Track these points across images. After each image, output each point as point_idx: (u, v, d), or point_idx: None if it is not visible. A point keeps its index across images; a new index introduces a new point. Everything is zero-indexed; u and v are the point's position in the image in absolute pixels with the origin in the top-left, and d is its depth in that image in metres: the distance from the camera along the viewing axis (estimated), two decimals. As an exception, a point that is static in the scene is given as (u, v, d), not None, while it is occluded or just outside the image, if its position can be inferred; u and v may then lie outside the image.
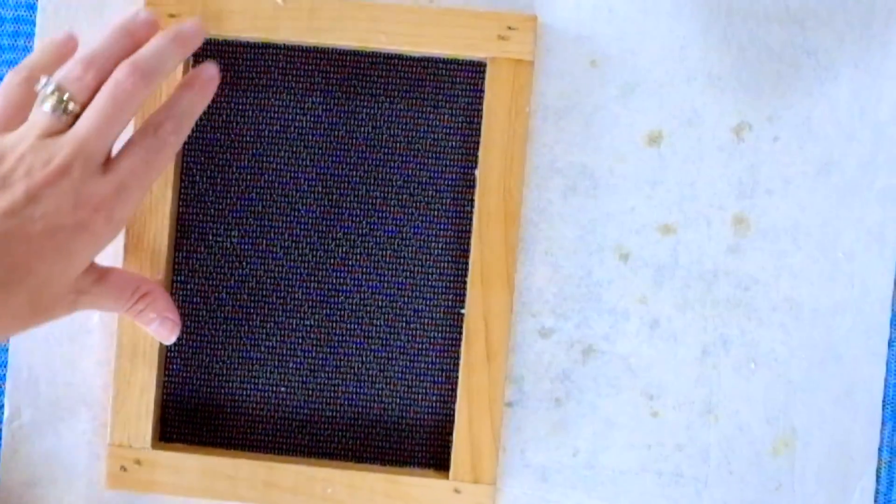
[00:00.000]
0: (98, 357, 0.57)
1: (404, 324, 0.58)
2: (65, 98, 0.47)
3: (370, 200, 0.58)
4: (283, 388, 0.58)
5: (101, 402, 0.57)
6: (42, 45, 0.51)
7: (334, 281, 0.58)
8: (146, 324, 0.54)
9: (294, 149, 0.58)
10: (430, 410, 0.59)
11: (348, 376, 0.59)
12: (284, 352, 0.58)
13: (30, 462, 0.57)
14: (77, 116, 0.48)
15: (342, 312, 0.58)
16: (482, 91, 0.57)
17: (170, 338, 0.55)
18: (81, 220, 0.47)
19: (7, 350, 0.57)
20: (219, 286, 0.58)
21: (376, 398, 0.59)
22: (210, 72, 0.52)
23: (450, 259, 0.58)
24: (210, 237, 0.58)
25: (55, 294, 0.48)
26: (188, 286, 0.58)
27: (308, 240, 0.58)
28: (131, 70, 0.48)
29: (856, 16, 0.58)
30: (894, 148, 0.58)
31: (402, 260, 0.58)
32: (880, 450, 0.58)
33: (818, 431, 0.58)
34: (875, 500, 0.58)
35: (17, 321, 0.48)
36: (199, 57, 0.57)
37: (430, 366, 0.58)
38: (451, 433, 0.57)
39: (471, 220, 0.57)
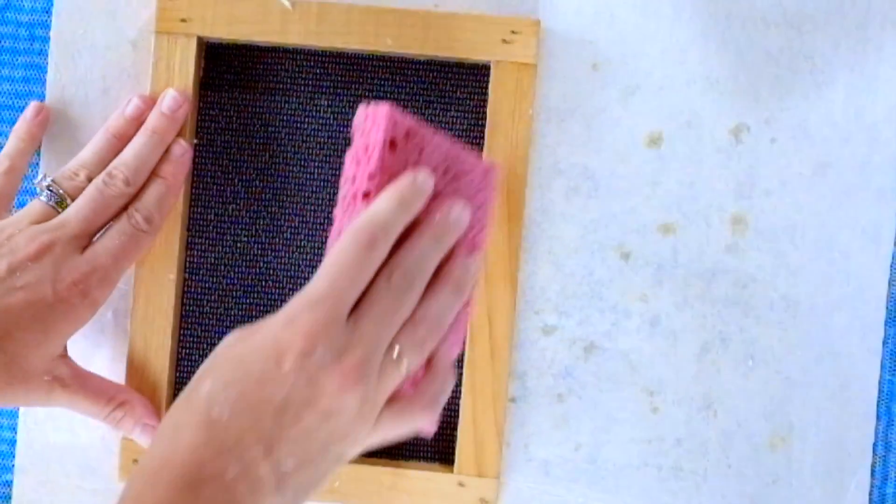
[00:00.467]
0: (111, 354, 0.57)
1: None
2: (60, 192, 0.52)
3: None
4: None
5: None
6: (15, 132, 0.56)
7: None
8: (127, 432, 0.55)
9: (303, 150, 0.58)
10: None
11: None
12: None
13: (45, 456, 0.57)
14: (66, 208, 0.53)
15: None
16: (486, 94, 0.57)
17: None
18: (60, 295, 0.50)
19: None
20: (230, 285, 0.58)
21: None
22: (177, 163, 0.54)
23: None
24: (221, 237, 0.58)
25: (32, 367, 0.50)
26: (200, 285, 0.58)
27: (317, 239, 0.58)
28: (116, 173, 0.52)
29: (851, 21, 0.58)
30: (889, 150, 0.58)
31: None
32: (875, 445, 0.58)
33: (814, 427, 0.58)
34: (870, 495, 0.58)
35: None
36: (210, 60, 0.57)
37: None
38: (455, 428, 0.57)
39: None
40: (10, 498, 0.58)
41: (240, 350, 0.44)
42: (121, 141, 0.55)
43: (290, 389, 0.43)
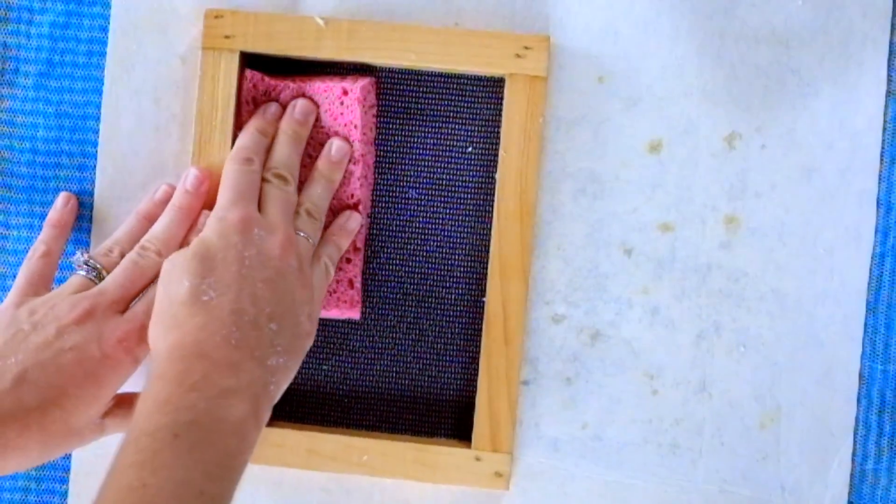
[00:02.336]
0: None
1: (432, 310, 0.59)
2: (96, 266, 0.53)
3: (402, 200, 0.59)
4: (325, 367, 0.59)
5: None
6: (48, 222, 0.57)
7: (370, 273, 0.59)
8: None
9: None
10: (454, 387, 0.59)
11: (382, 357, 0.59)
12: (326, 335, 0.59)
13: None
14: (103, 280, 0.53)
15: (377, 300, 0.59)
16: (501, 104, 0.57)
17: None
18: (106, 352, 0.50)
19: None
20: None
21: (407, 376, 0.59)
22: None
23: (472, 253, 0.59)
24: None
25: (86, 416, 0.51)
26: None
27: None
28: (148, 245, 0.53)
29: (835, 38, 0.58)
30: (869, 155, 0.58)
31: (430, 253, 0.59)
32: (856, 424, 0.59)
33: (801, 408, 0.58)
34: (852, 470, 0.58)
35: (52, 440, 0.50)
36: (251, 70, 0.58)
37: (454, 348, 0.59)
38: (473, 408, 0.57)
39: (491, 218, 0.57)
40: (69, 469, 0.59)
41: (191, 252, 0.49)
42: (150, 222, 0.55)
43: (249, 261, 0.49)
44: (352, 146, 0.57)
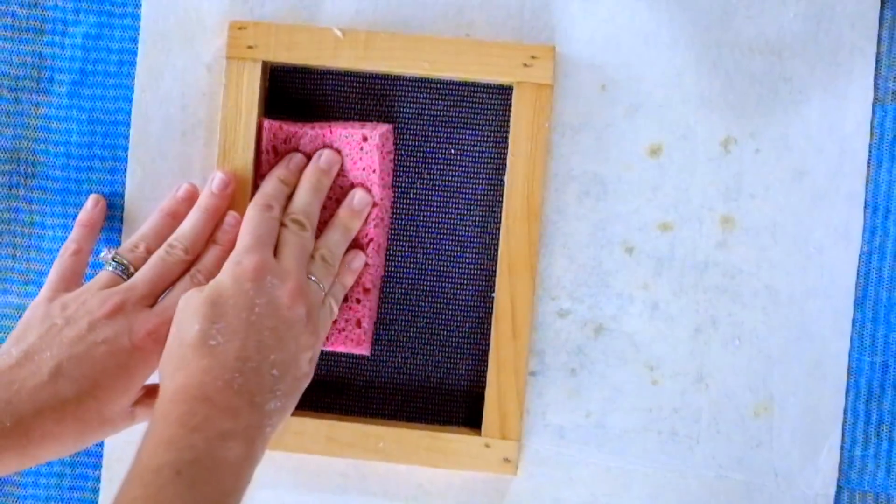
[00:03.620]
0: None
1: (444, 305, 0.59)
2: (124, 262, 0.53)
3: (417, 201, 0.59)
4: (343, 359, 0.59)
5: None
6: (78, 222, 0.57)
7: (388, 270, 0.60)
8: None
9: None
10: (465, 378, 0.59)
11: (398, 349, 0.60)
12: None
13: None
14: (131, 275, 0.53)
15: (392, 296, 0.60)
16: (510, 110, 0.57)
17: None
18: (136, 344, 0.50)
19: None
20: None
21: (421, 368, 0.60)
22: (231, 231, 0.55)
23: (482, 251, 0.59)
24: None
25: (119, 405, 0.51)
26: None
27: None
28: (176, 244, 0.54)
29: (825, 48, 0.58)
30: (857, 159, 0.58)
31: (442, 251, 0.59)
32: (845, 413, 0.59)
33: (792, 398, 0.59)
34: (840, 456, 0.59)
35: (87, 430, 0.50)
36: (273, 81, 0.58)
37: (465, 341, 0.59)
38: (483, 397, 0.57)
39: (500, 218, 0.58)
40: (101, 455, 0.59)
41: (205, 296, 0.49)
42: (174, 219, 0.56)
43: (259, 309, 0.49)
44: (371, 192, 0.57)
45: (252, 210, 0.54)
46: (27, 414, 0.48)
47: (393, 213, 0.60)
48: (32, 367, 0.49)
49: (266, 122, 0.57)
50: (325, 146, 0.57)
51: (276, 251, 0.53)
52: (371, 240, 0.57)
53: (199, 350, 0.47)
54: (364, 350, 0.58)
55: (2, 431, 0.47)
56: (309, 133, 0.57)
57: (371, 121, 0.59)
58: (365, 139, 0.56)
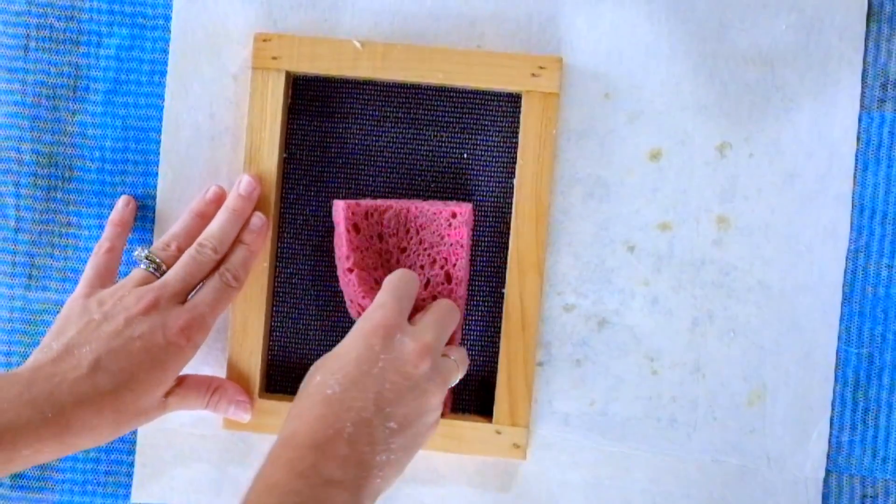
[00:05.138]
0: (217, 327, 0.58)
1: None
2: (156, 260, 0.54)
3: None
4: None
5: (219, 362, 0.59)
6: (110, 221, 0.58)
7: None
8: (224, 412, 0.56)
9: (372, 160, 0.59)
10: (477, 369, 0.59)
11: None
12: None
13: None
14: (163, 273, 0.54)
15: None
16: (519, 117, 0.58)
17: (245, 417, 0.57)
18: (169, 340, 0.51)
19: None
20: (312, 271, 0.60)
21: None
22: (257, 232, 0.56)
23: (493, 249, 0.59)
24: (305, 232, 0.60)
25: (153, 396, 0.52)
26: (288, 272, 0.60)
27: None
28: (205, 243, 0.54)
29: (814, 59, 0.58)
30: (845, 163, 0.58)
31: None
32: (833, 402, 0.59)
33: (784, 387, 0.59)
34: (829, 441, 0.59)
35: (123, 420, 0.50)
36: (296, 90, 0.59)
37: (477, 334, 0.59)
38: (494, 387, 0.58)
39: (509, 218, 0.58)
40: (135, 442, 0.60)
41: (334, 353, 0.50)
42: (203, 219, 0.56)
43: (383, 363, 0.48)
44: (456, 266, 0.57)
45: (399, 273, 0.54)
46: (68, 405, 0.48)
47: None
48: (73, 360, 0.50)
49: (342, 203, 0.56)
50: (411, 220, 0.57)
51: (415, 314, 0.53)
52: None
53: (313, 398, 0.48)
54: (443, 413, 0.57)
55: (44, 422, 0.48)
56: (394, 207, 0.57)
57: (388, 129, 0.59)
58: (454, 215, 0.57)
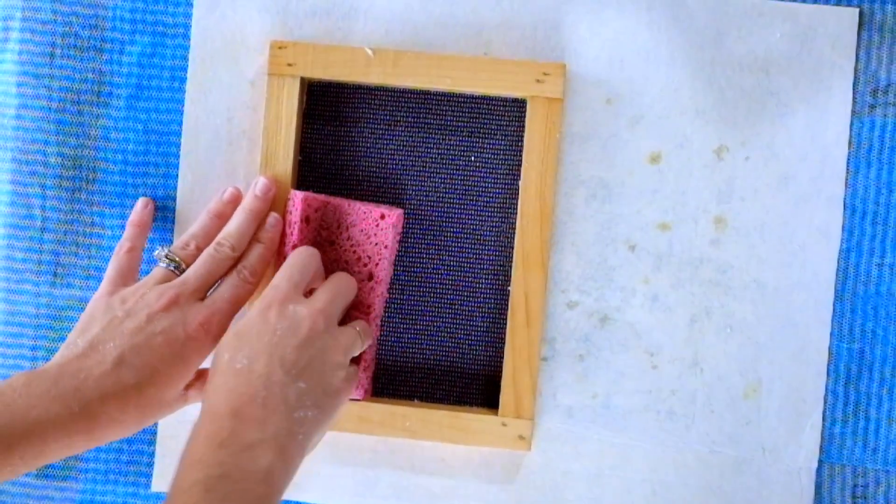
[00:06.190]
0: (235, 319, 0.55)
1: (465, 297, 0.60)
2: (177, 259, 0.54)
3: (440, 204, 0.60)
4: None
5: None
6: (130, 222, 0.58)
7: (413, 266, 0.60)
8: None
9: (383, 163, 0.60)
10: (484, 363, 0.60)
11: (423, 337, 0.60)
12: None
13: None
14: (183, 271, 0.54)
15: (419, 290, 0.60)
16: (524, 122, 0.58)
17: None
18: (190, 335, 0.51)
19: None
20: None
21: (444, 354, 0.60)
22: (273, 231, 0.56)
23: (499, 248, 0.60)
24: None
25: (175, 389, 0.52)
26: None
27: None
28: (223, 242, 0.55)
29: (808, 66, 0.59)
30: (837, 166, 0.59)
31: (463, 249, 0.60)
32: (826, 395, 0.59)
33: (778, 381, 0.59)
34: (822, 433, 0.59)
35: (147, 412, 0.51)
36: (310, 96, 0.59)
37: (484, 330, 0.60)
38: (499, 380, 0.58)
39: (515, 218, 0.58)
40: (156, 433, 0.60)
41: (236, 332, 0.50)
42: (220, 219, 0.56)
43: (280, 331, 0.49)
44: (378, 265, 0.57)
45: (300, 252, 0.55)
46: (94, 400, 0.49)
47: (419, 215, 0.60)
48: (97, 356, 0.50)
49: (301, 194, 0.56)
50: (343, 217, 0.57)
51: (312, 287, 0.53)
52: (372, 311, 0.58)
53: (226, 374, 0.48)
54: (358, 395, 0.58)
55: (71, 416, 0.48)
56: (332, 202, 0.57)
57: (399, 133, 0.60)
58: (382, 217, 0.57)
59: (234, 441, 0.45)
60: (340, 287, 0.54)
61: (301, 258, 0.54)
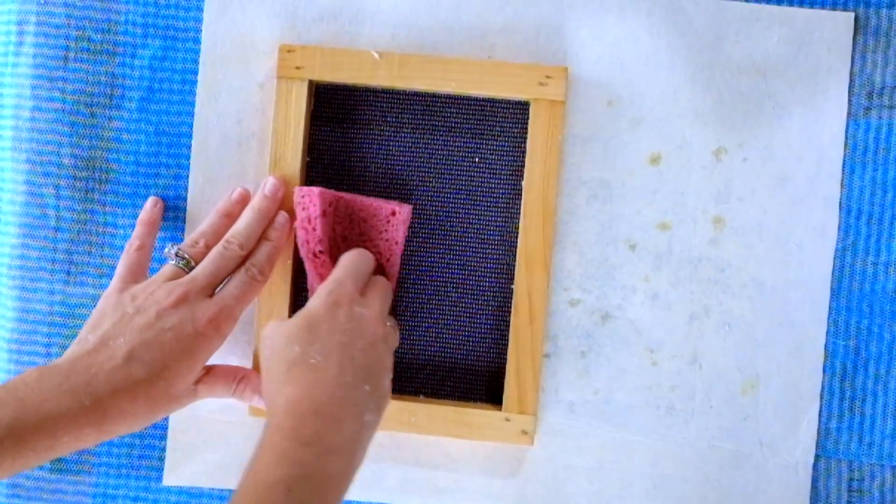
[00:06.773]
0: (243, 319, 0.56)
1: (469, 295, 0.60)
2: (185, 257, 0.54)
3: (446, 205, 0.60)
4: None
5: (245, 353, 0.60)
6: (140, 221, 0.58)
7: (419, 264, 0.60)
8: (249, 400, 0.57)
9: (389, 164, 0.60)
10: (488, 360, 0.60)
11: (428, 334, 0.60)
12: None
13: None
14: (192, 269, 0.54)
15: (425, 288, 0.60)
16: (527, 123, 0.58)
17: None
18: (199, 330, 0.51)
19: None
20: None
21: (449, 351, 0.60)
22: (281, 229, 0.57)
23: (503, 247, 0.60)
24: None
25: (184, 384, 0.52)
26: None
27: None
28: (232, 240, 0.55)
29: (804, 70, 0.59)
30: (833, 167, 0.59)
31: (467, 249, 0.60)
32: (822, 390, 0.59)
33: (776, 377, 0.59)
34: (818, 428, 0.59)
35: (157, 407, 0.51)
36: (318, 98, 0.59)
37: (488, 327, 0.60)
38: (503, 377, 0.58)
39: (518, 218, 0.58)
40: (167, 428, 0.61)
41: (304, 322, 0.50)
42: (229, 218, 0.56)
43: (351, 331, 0.50)
44: (390, 261, 0.58)
45: (353, 253, 0.55)
46: (105, 394, 0.49)
47: (425, 214, 0.60)
48: (108, 352, 0.50)
49: (316, 189, 0.56)
50: (355, 212, 0.58)
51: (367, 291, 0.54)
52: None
53: (302, 367, 0.48)
54: None
55: (82, 410, 0.49)
56: (344, 198, 0.57)
57: (405, 135, 0.60)
58: (393, 213, 0.58)
59: (318, 442, 0.45)
60: (387, 293, 0.55)
61: (361, 259, 0.54)
